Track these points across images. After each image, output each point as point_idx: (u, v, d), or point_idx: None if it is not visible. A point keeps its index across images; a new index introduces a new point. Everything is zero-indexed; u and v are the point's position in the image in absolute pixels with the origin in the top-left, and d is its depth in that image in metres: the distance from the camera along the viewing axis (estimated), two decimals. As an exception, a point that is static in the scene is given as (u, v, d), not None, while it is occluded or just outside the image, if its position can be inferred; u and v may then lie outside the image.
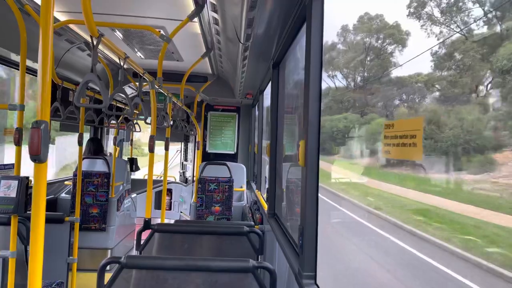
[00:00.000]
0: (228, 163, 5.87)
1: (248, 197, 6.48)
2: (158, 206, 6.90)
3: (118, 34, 3.97)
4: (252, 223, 3.62)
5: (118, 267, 1.91)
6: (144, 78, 3.11)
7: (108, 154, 7.19)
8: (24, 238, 2.91)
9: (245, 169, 6.79)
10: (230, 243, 2.97)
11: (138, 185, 6.80)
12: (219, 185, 5.65)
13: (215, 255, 2.97)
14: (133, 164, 7.89)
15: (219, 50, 4.17)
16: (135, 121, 6.39)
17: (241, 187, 6.55)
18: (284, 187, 3.36)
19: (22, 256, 2.90)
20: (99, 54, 4.52)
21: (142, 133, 8.74)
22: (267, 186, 4.00)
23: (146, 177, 7.79)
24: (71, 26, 3.81)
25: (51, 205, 5.16)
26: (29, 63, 2.97)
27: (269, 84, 4.30)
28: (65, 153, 8.47)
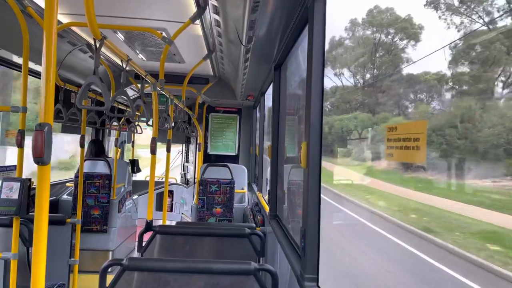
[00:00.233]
0: (229, 164, 5.87)
1: (250, 198, 6.48)
2: (159, 207, 6.90)
3: (120, 36, 3.98)
4: (254, 225, 3.62)
5: (120, 269, 1.91)
6: (146, 80, 3.11)
7: (111, 155, 7.20)
8: (26, 240, 2.91)
9: (246, 170, 6.79)
10: (232, 245, 2.97)
11: (140, 187, 6.80)
12: (220, 186, 5.65)
13: (216, 257, 2.97)
14: (134, 165, 7.89)
15: (220, 52, 4.17)
16: (136, 123, 6.40)
17: (243, 189, 6.55)
18: (285, 189, 3.36)
19: (23, 258, 2.90)
20: (101, 56, 4.53)
21: (138, 135, 8.73)
22: (268, 187, 4.00)
23: (147, 179, 7.79)
24: (73, 28, 3.82)
25: (53, 206, 5.16)
26: (31, 65, 2.98)
27: (271, 86, 4.31)
28: (55, 152, 8.47)
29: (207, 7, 2.88)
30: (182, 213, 7.46)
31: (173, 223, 4.43)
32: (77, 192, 4.14)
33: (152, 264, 2.02)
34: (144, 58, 4.99)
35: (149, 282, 2.04)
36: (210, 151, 7.32)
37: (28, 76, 2.79)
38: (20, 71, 2.90)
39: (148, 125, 3.24)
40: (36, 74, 4.04)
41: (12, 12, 2.63)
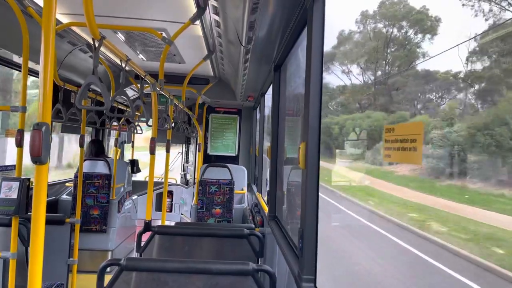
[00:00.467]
0: (229, 165, 5.87)
1: (249, 199, 6.48)
2: (159, 208, 6.90)
3: (120, 36, 3.99)
4: (253, 225, 3.62)
5: (118, 269, 1.91)
6: (145, 80, 3.12)
7: (111, 156, 7.20)
8: (24, 240, 2.91)
9: (246, 171, 6.79)
10: (231, 246, 2.97)
11: (139, 187, 6.80)
12: (220, 187, 5.65)
13: (215, 258, 2.97)
14: (134, 166, 7.90)
15: (220, 52, 4.18)
16: (136, 123, 6.40)
17: (242, 190, 6.55)
18: (285, 190, 3.36)
19: (22, 257, 2.90)
20: (101, 56, 4.54)
21: (135, 137, 8.70)
22: (268, 188, 4.00)
23: (147, 179, 7.80)
24: (74, 28, 3.82)
25: (52, 206, 5.16)
26: (31, 64, 2.98)
27: (271, 87, 4.31)
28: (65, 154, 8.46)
29: (207, 7, 2.88)
30: (182, 214, 7.46)
31: (173, 224, 4.44)
32: (77, 192, 4.14)
33: (150, 264, 2.02)
34: (144, 58, 4.99)
35: (148, 283, 2.04)
36: (210, 152, 7.33)
37: (29, 76, 2.80)
38: (20, 71, 2.90)
39: (148, 125, 3.24)
40: (36, 74, 4.05)
41: (12, 11, 2.63)
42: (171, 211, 7.39)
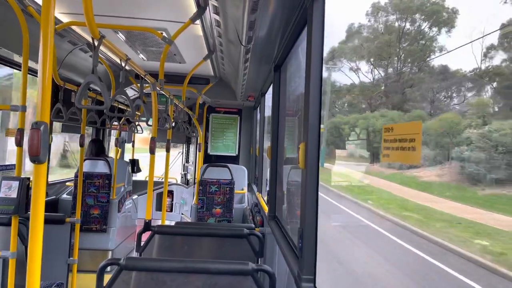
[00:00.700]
0: (229, 165, 5.87)
1: (249, 199, 6.48)
2: (159, 207, 6.91)
3: (121, 35, 3.99)
4: (253, 225, 3.62)
5: (117, 269, 1.91)
6: (145, 80, 3.12)
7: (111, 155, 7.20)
8: (24, 239, 2.91)
9: (246, 171, 6.79)
10: (231, 246, 2.97)
11: (140, 187, 6.80)
12: (220, 187, 5.65)
13: (215, 257, 2.97)
14: (134, 165, 7.90)
15: (221, 52, 4.18)
16: (137, 123, 6.40)
17: (242, 189, 6.54)
18: (285, 190, 3.36)
19: (22, 257, 2.90)
20: (101, 55, 4.54)
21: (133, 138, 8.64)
22: (268, 188, 4.00)
23: (147, 179, 7.82)
24: (74, 27, 3.83)
25: (53, 206, 5.17)
26: (31, 64, 2.99)
27: (271, 87, 4.30)
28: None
29: (207, 7, 2.88)
30: (182, 213, 7.46)
31: (173, 223, 4.44)
32: (77, 192, 4.14)
33: (149, 264, 2.02)
34: (144, 58, 4.99)
35: (147, 282, 2.04)
36: (211, 152, 7.33)
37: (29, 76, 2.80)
38: (20, 70, 2.90)
39: (148, 125, 3.24)
40: (36, 73, 4.05)
41: (12, 11, 2.63)
42: (171, 210, 7.39)
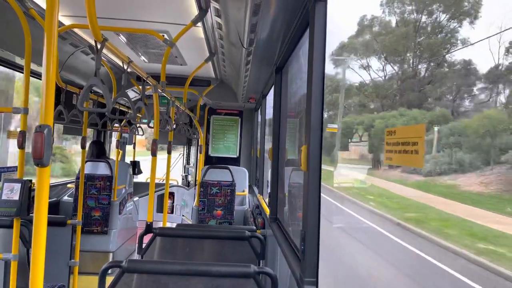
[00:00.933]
0: (230, 167, 5.87)
1: (250, 201, 6.48)
2: (160, 209, 6.91)
3: (122, 38, 4.00)
4: (254, 227, 3.62)
5: (119, 271, 1.91)
6: (147, 82, 3.12)
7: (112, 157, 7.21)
8: (26, 241, 2.91)
9: (247, 173, 6.79)
10: (232, 248, 2.97)
11: (141, 188, 6.80)
12: (221, 189, 5.65)
13: (216, 260, 2.97)
14: (135, 167, 7.90)
15: (222, 54, 4.18)
16: (138, 125, 6.41)
17: (243, 191, 6.54)
18: (286, 192, 3.36)
19: (24, 259, 2.90)
20: (102, 58, 4.54)
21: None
22: (269, 190, 4.00)
23: (148, 181, 7.82)
24: (76, 30, 3.83)
25: (54, 208, 5.17)
26: (33, 66, 2.99)
27: (272, 89, 4.31)
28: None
29: (209, 9, 2.88)
30: (183, 215, 7.46)
31: (174, 225, 4.44)
32: (78, 194, 4.14)
33: (151, 266, 2.02)
34: (146, 60, 5.00)
35: (149, 285, 2.04)
36: (211, 153, 7.33)
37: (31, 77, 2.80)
38: (23, 73, 2.91)
39: (150, 127, 3.25)
40: (38, 76, 4.06)
41: (15, 13, 2.64)
42: (172, 212, 7.40)
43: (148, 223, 3.01)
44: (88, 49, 4.24)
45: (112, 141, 7.79)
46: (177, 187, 7.95)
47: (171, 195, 7.36)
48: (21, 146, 2.70)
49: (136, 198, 5.99)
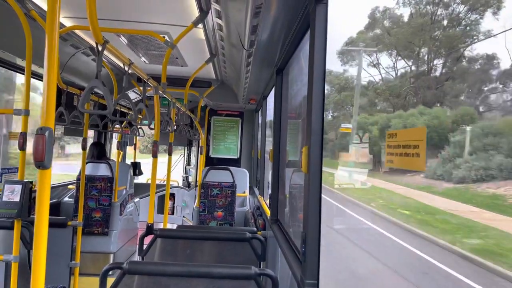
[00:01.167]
0: (231, 168, 5.87)
1: (251, 202, 6.47)
2: (161, 210, 6.91)
3: (123, 39, 4.00)
4: (255, 229, 3.62)
5: (120, 273, 1.91)
6: (148, 83, 3.12)
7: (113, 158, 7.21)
8: (27, 242, 2.91)
9: (248, 174, 6.79)
10: (233, 249, 2.97)
11: (141, 190, 6.80)
12: (221, 190, 5.65)
13: (217, 261, 2.97)
14: (136, 168, 7.91)
15: (223, 55, 4.19)
16: (138, 126, 6.41)
17: (244, 192, 6.54)
18: (287, 193, 3.36)
19: (24, 260, 2.90)
20: (103, 59, 4.55)
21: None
22: (269, 191, 4.00)
23: (149, 182, 7.81)
24: (76, 31, 3.84)
25: (54, 209, 5.17)
26: (34, 67, 3.00)
27: (273, 90, 4.31)
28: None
29: (210, 11, 2.89)
30: (184, 216, 7.46)
31: (175, 226, 4.44)
32: (79, 195, 4.15)
33: (152, 268, 2.02)
34: (146, 61, 5.00)
35: (149, 286, 2.04)
36: (212, 154, 7.33)
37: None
38: (23, 74, 2.91)
39: (150, 128, 3.26)
40: (39, 77, 4.06)
41: (16, 15, 2.65)
42: (172, 213, 7.39)
43: (149, 224, 3.01)
44: (89, 50, 4.25)
45: (113, 142, 7.79)
46: (177, 188, 7.95)
47: (172, 196, 7.36)
48: (21, 147, 2.70)
49: (136, 199, 5.99)
